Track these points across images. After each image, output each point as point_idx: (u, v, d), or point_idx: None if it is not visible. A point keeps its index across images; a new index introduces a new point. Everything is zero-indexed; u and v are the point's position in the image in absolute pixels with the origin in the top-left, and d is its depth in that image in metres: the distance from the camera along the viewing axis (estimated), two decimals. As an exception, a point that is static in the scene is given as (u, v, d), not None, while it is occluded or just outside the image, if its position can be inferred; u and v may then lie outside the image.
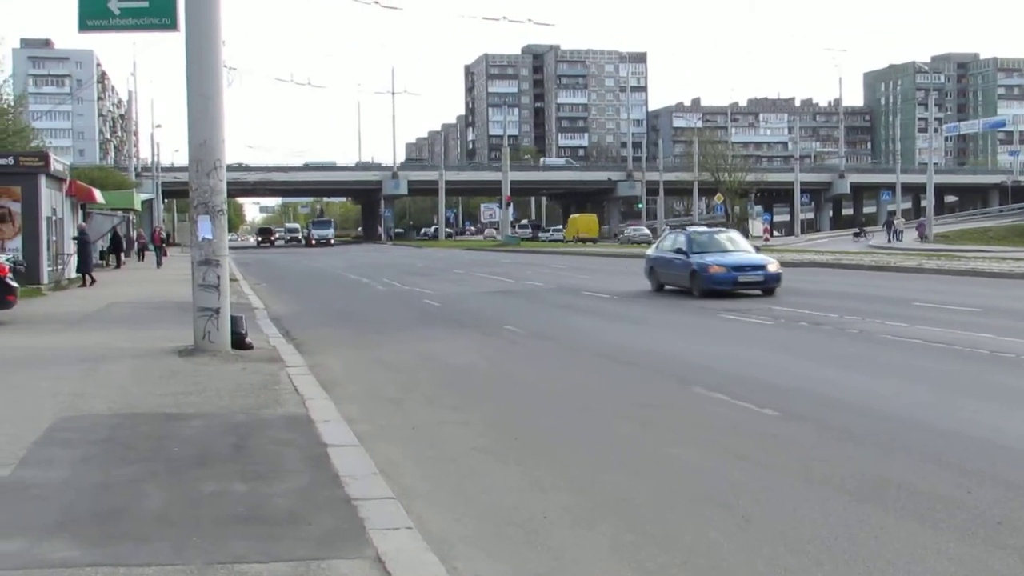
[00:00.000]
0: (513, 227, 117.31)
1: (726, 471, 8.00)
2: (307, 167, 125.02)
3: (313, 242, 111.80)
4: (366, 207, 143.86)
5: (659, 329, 18.92)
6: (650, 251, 29.92)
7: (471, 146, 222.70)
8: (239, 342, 14.86)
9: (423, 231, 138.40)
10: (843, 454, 8.51)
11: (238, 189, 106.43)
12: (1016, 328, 16.99)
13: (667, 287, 27.37)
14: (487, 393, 12.04)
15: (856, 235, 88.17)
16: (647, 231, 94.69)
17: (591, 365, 14.30)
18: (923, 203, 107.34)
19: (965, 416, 10.03)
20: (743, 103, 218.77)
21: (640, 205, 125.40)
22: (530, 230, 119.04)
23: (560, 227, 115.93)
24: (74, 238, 33.85)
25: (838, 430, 9.46)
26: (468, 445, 9.10)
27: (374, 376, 13.51)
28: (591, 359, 14.88)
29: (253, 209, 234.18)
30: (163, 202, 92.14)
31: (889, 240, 76.73)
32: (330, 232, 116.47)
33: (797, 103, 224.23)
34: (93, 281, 32.00)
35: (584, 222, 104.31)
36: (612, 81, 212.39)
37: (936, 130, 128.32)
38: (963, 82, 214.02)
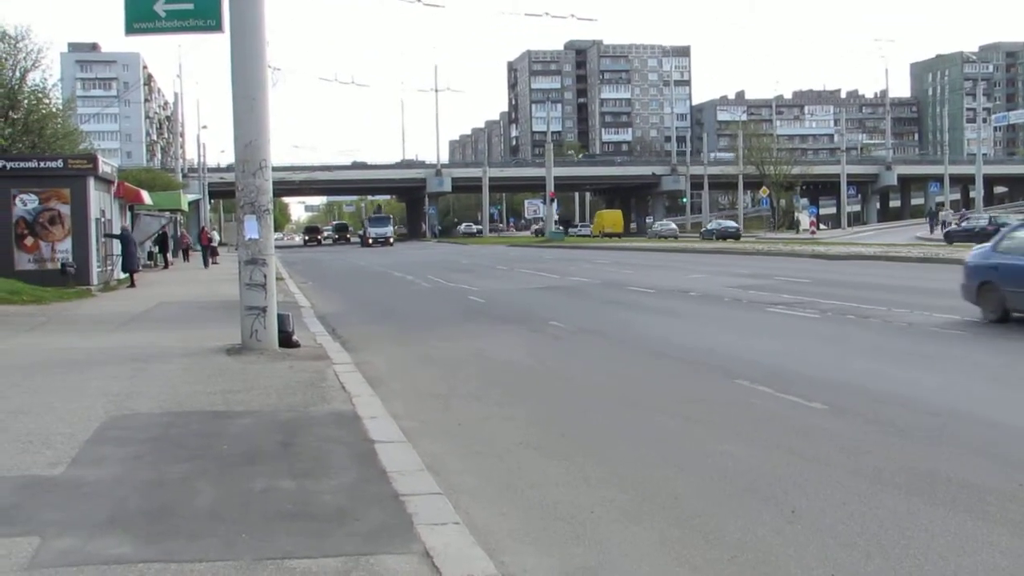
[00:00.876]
0: (538, 222, 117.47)
1: (773, 465, 7.96)
2: (352, 166, 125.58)
3: (370, 241, 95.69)
4: (410, 205, 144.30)
5: (704, 324, 18.84)
6: (974, 256, 18.86)
7: (514, 142, 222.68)
8: (286, 340, 14.96)
9: (457, 228, 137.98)
10: (892, 448, 8.45)
11: (284, 188, 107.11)
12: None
13: (1017, 314, 17.16)
14: (532, 389, 12.04)
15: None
16: (673, 226, 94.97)
17: (636, 360, 14.27)
18: (972, 194, 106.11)
19: (1017, 407, 9.93)
20: (788, 95, 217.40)
21: (685, 199, 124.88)
22: (559, 226, 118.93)
23: (589, 223, 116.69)
24: (107, 235, 33.35)
25: (887, 424, 9.39)
26: (514, 440, 9.12)
27: (419, 372, 13.56)
28: (636, 354, 14.85)
29: (299, 208, 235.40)
30: (210, 202, 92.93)
31: (932, 231, 75.98)
32: (389, 229, 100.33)
33: (843, 95, 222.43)
34: (132, 284, 32.06)
35: (609, 217, 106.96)
36: (655, 75, 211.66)
37: (985, 120, 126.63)
38: (1012, 71, 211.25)
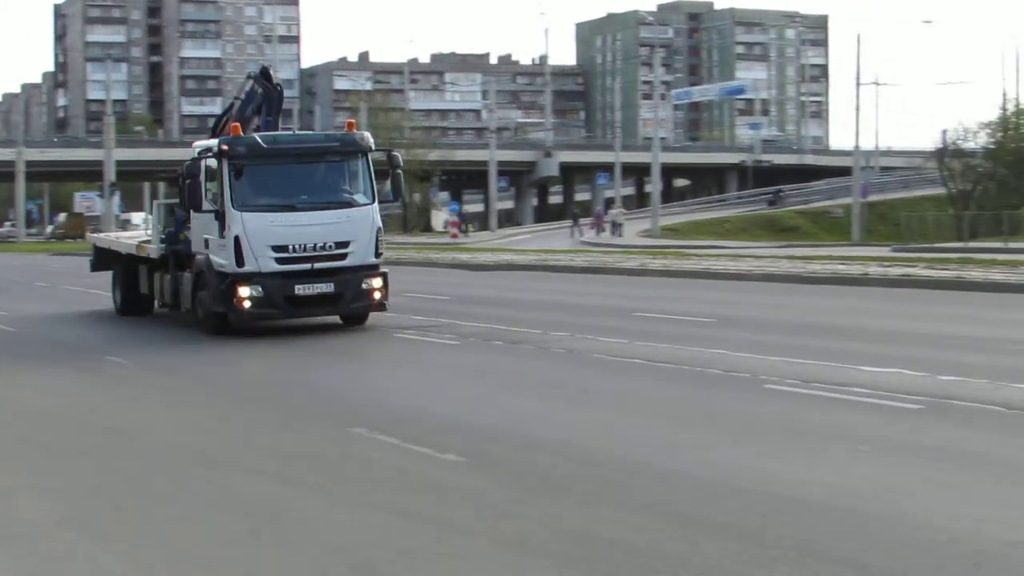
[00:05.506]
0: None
1: (394, 537, 8.12)
2: None
3: None
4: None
5: (309, 356, 18.87)
6: None
7: (62, 114, 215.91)
8: None
9: None
10: (544, 507, 8.80)
11: None
12: (754, 341, 18.00)
13: None
14: (79, 448, 11.74)
15: None
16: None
17: (226, 406, 14.19)
18: (647, 187, 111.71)
19: (693, 453, 10.56)
20: (425, 59, 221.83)
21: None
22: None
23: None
24: None
25: (538, 477, 9.76)
26: (52, 519, 8.89)
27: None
28: (224, 398, 14.78)
29: None
30: None
31: (598, 233, 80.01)
32: None
33: (493, 60, 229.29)
34: None
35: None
36: (254, 29, 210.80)
37: (663, 96, 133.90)
38: (695, 38, 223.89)
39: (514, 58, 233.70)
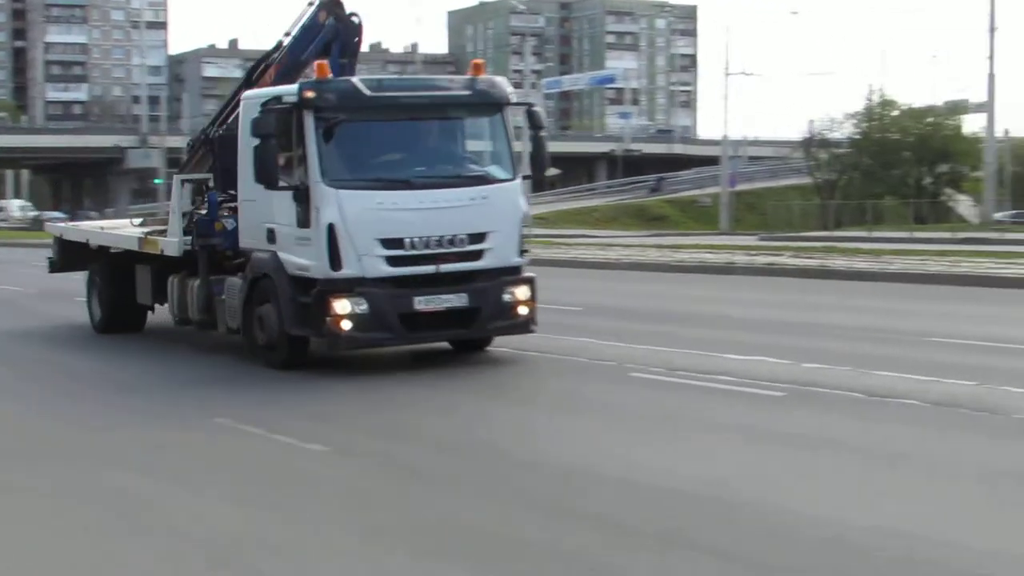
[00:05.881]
0: None
1: (253, 528, 8.07)
2: None
3: None
4: None
5: (172, 351, 18.53)
6: None
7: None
8: None
9: None
10: (405, 497, 8.81)
11: None
12: (620, 330, 18.20)
13: None
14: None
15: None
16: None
17: (93, 397, 14.09)
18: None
19: (557, 441, 10.62)
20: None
21: (159, 180, 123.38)
22: None
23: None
24: None
25: (400, 467, 9.77)
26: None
27: None
28: (85, 389, 14.68)
29: None
30: None
31: None
32: None
33: (364, 48, 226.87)
34: None
35: None
36: (121, 14, 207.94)
37: (534, 85, 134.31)
38: (566, 27, 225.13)
39: (384, 46, 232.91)
